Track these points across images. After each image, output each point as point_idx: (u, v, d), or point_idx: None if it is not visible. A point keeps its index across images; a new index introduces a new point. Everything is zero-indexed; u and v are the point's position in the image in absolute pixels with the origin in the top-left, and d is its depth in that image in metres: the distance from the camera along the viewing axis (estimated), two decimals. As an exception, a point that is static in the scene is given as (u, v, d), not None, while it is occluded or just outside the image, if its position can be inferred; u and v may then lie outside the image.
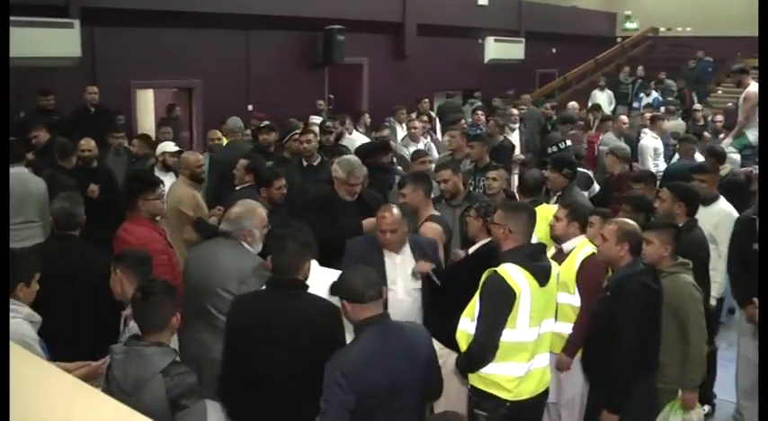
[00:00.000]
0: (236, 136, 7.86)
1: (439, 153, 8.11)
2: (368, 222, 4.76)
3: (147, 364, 2.77)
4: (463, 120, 10.02)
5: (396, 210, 4.08)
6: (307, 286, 3.27)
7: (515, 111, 9.85)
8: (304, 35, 12.21)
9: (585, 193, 6.30)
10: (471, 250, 4.26)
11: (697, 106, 12.21)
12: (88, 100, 8.67)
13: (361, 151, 6.52)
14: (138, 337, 2.87)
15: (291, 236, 3.29)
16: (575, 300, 4.15)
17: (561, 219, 4.34)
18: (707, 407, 4.80)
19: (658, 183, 6.12)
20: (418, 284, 4.14)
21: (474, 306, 3.43)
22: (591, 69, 17.56)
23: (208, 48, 10.76)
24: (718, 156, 6.77)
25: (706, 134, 9.08)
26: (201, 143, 9.87)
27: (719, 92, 16.01)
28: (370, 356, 2.94)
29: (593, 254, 4.10)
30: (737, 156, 8.29)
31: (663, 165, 8.20)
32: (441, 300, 4.01)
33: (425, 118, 9.75)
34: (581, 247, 4.24)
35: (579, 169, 6.31)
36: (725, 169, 6.73)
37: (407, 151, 7.85)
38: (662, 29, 19.70)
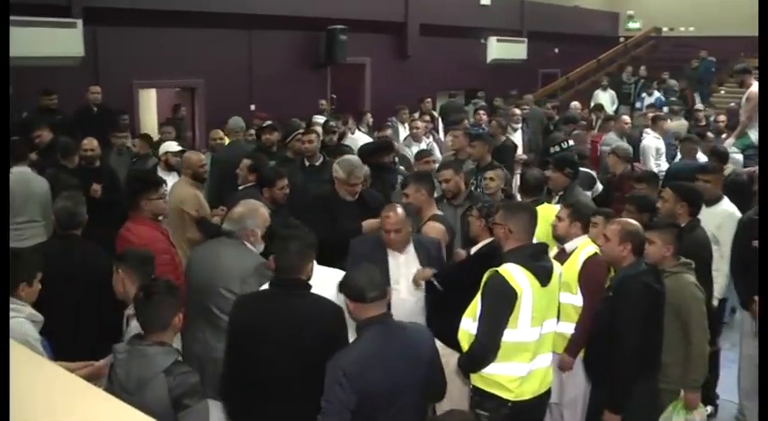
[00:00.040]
0: (238, 136, 7.89)
1: (441, 153, 8.11)
2: (368, 224, 4.76)
3: (149, 364, 2.77)
4: (466, 121, 10.02)
5: (400, 210, 4.08)
6: (310, 286, 3.26)
7: (518, 111, 9.85)
8: (307, 35, 12.22)
9: (588, 193, 6.30)
10: (473, 250, 4.25)
11: (699, 106, 12.19)
12: (91, 100, 8.67)
13: (363, 151, 6.53)
14: (141, 337, 2.86)
15: (295, 236, 3.29)
16: (577, 300, 4.15)
17: (563, 218, 4.35)
18: (709, 408, 4.77)
19: (661, 183, 6.11)
20: (421, 284, 4.15)
21: (476, 306, 3.42)
22: (593, 69, 17.56)
23: (210, 47, 10.76)
24: (721, 157, 6.75)
25: (709, 134, 9.05)
26: (204, 143, 9.89)
27: (722, 92, 16.00)
28: (371, 356, 2.94)
29: (596, 254, 4.10)
30: (740, 157, 8.26)
31: (665, 166, 8.17)
32: (443, 300, 4.01)
33: (428, 118, 9.73)
34: (583, 247, 4.24)
35: (582, 169, 6.31)
36: (728, 169, 6.71)
37: (410, 151, 7.86)
38: (665, 29, 19.70)
